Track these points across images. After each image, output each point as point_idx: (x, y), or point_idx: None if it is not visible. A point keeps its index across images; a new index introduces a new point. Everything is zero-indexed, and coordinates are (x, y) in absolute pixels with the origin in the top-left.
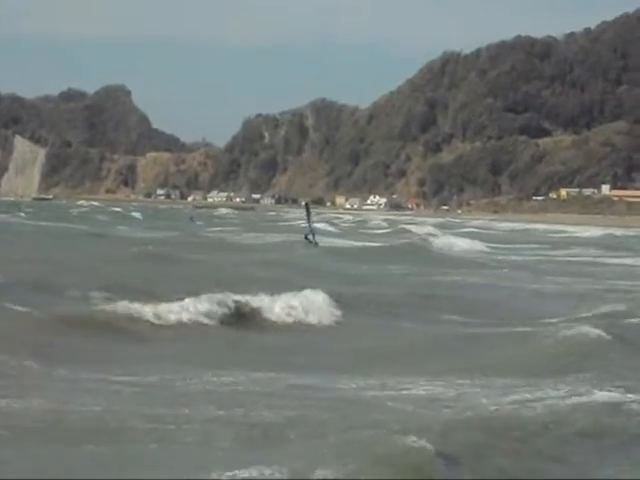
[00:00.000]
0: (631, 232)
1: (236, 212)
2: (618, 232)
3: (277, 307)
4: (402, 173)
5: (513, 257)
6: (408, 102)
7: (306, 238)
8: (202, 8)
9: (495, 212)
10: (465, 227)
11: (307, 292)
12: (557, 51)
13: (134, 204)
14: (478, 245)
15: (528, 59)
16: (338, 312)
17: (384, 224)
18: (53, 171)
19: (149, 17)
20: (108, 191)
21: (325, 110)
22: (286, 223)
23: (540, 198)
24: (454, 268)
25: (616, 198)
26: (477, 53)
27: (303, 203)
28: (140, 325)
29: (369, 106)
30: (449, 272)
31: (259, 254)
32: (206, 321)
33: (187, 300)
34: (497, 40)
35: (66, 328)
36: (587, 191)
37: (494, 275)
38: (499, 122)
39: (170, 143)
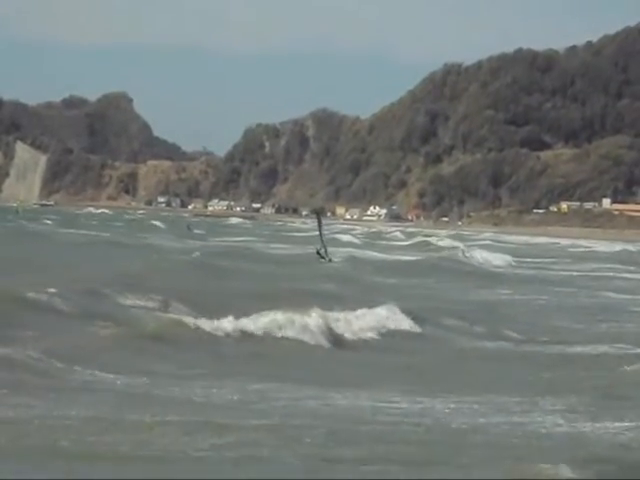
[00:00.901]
0: None
1: (245, 221)
2: (630, 247)
3: (357, 322)
4: (402, 184)
5: (548, 272)
6: (409, 113)
7: (318, 253)
8: (205, 17)
9: (495, 224)
10: (478, 240)
11: (382, 308)
12: (559, 64)
13: (139, 212)
14: (508, 259)
15: (530, 72)
16: (416, 327)
17: (401, 236)
18: (54, 177)
19: (152, 25)
20: (109, 198)
21: (326, 120)
22: (299, 234)
23: (541, 211)
24: (507, 284)
25: (617, 212)
26: (478, 65)
27: (304, 213)
28: (207, 338)
29: (370, 117)
30: (507, 290)
31: (295, 266)
32: (283, 337)
33: (254, 315)
34: (498, 52)
35: (147, 342)
36: (588, 205)
37: (546, 292)
38: (500, 134)
39: (171, 151)
